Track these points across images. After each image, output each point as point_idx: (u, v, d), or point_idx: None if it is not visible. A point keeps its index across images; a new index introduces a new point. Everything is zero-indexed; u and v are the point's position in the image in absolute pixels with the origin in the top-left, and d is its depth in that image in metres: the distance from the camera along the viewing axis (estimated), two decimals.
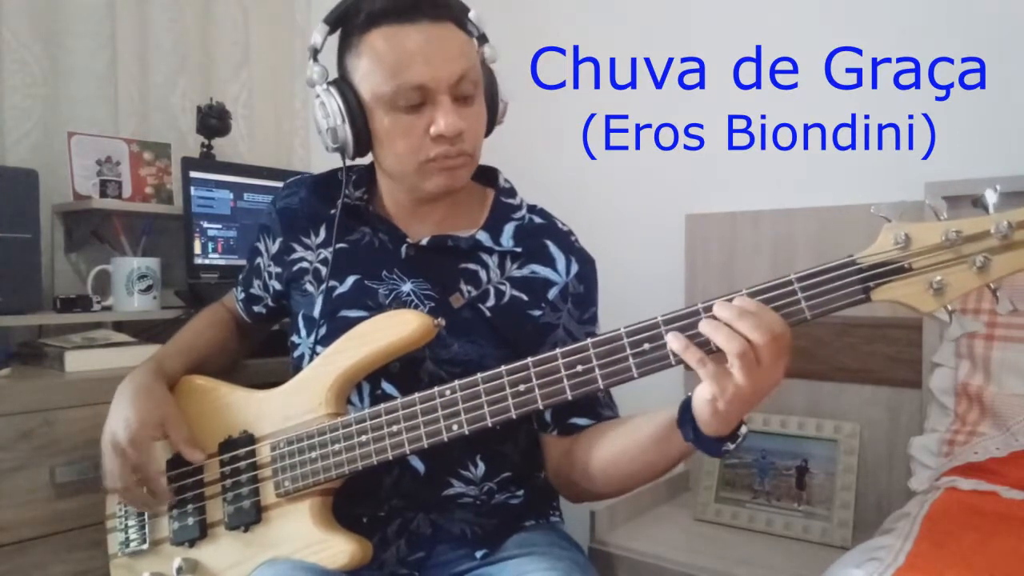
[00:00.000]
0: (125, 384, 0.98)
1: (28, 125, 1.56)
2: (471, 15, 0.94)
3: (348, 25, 0.92)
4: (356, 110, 0.91)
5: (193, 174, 1.59)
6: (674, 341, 0.74)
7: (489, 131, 0.99)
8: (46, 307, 1.46)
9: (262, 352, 1.23)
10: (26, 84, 1.56)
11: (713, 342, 0.71)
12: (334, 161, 1.05)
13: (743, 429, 0.79)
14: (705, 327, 0.72)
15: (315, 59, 0.93)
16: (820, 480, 1.37)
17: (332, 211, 1.00)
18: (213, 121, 1.69)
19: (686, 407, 0.78)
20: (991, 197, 0.69)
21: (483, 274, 0.97)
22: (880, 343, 1.40)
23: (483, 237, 0.97)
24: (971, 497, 1.05)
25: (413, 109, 0.89)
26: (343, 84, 0.92)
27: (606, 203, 1.78)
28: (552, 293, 0.98)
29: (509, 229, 0.99)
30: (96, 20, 1.64)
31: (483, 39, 0.96)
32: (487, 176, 1.06)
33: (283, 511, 0.90)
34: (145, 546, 0.97)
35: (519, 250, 0.98)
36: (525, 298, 0.97)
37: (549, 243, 1.00)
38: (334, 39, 0.95)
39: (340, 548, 0.86)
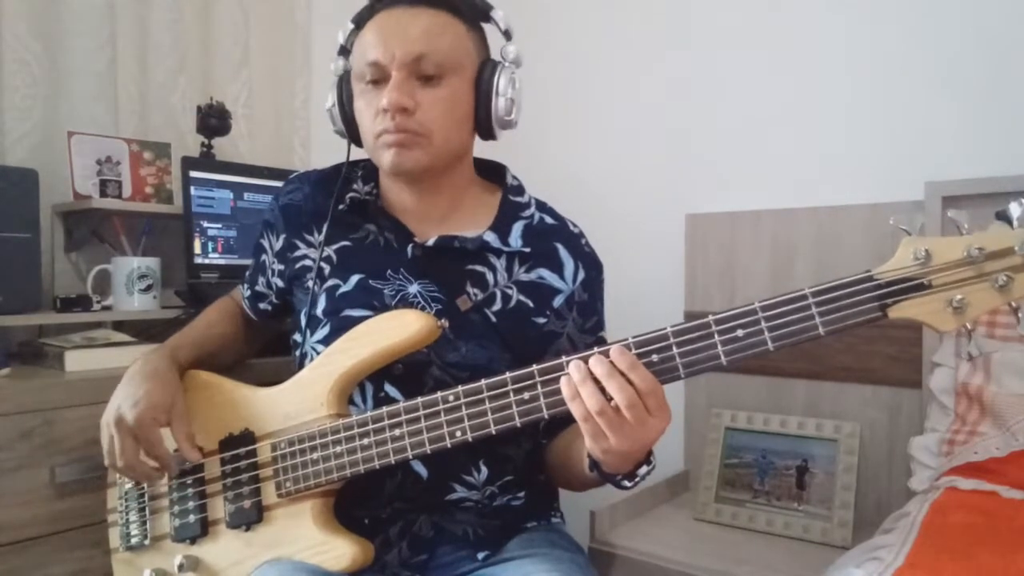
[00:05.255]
0: (137, 366, 0.97)
1: (28, 125, 1.56)
2: (495, 14, 0.96)
3: (361, 24, 0.96)
4: (346, 95, 0.97)
5: (193, 174, 1.59)
6: (566, 387, 0.76)
7: (486, 131, 0.97)
8: (46, 307, 1.46)
9: (265, 351, 1.23)
10: (26, 84, 1.55)
11: (581, 393, 0.74)
12: (335, 159, 1.05)
13: (642, 469, 0.82)
14: (575, 374, 0.75)
15: (339, 54, 0.99)
16: (820, 480, 1.37)
17: (340, 207, 1.00)
18: (213, 121, 1.69)
19: None
20: (1016, 211, 0.66)
21: (490, 276, 0.96)
22: (880, 343, 1.40)
23: (491, 238, 0.97)
24: (971, 497, 1.05)
25: (374, 86, 0.92)
26: (346, 76, 0.98)
27: (606, 203, 1.78)
28: (558, 301, 0.98)
29: (518, 229, 0.98)
30: (96, 20, 1.64)
31: (507, 36, 0.96)
32: (495, 173, 1.05)
33: (285, 511, 0.90)
34: (146, 541, 0.97)
35: (528, 251, 0.98)
36: (531, 304, 0.96)
37: (559, 246, 1.00)
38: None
39: (342, 550, 0.86)
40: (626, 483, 0.83)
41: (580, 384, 0.74)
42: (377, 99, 0.91)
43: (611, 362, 0.74)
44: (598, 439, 0.75)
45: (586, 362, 0.75)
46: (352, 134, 0.99)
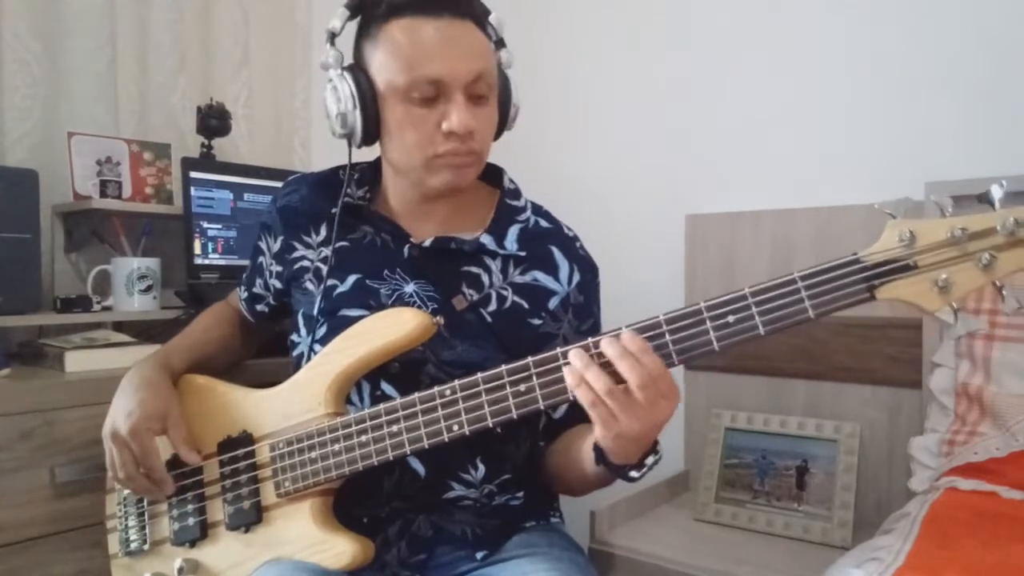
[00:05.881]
0: (130, 375, 0.98)
1: (28, 125, 1.56)
2: (491, 19, 0.95)
3: (368, 13, 0.92)
4: (369, 97, 0.91)
5: (193, 174, 1.59)
6: (570, 375, 0.76)
7: (498, 135, 0.99)
8: (46, 307, 1.46)
9: (262, 352, 1.23)
10: (26, 84, 1.55)
11: (585, 377, 0.74)
12: (335, 160, 1.05)
13: (650, 459, 0.82)
14: (578, 362, 0.75)
15: (332, 43, 0.93)
16: (820, 480, 1.37)
17: (333, 210, 1.00)
18: (213, 121, 1.69)
19: None
20: (997, 192, 0.67)
21: (485, 278, 0.96)
22: (880, 343, 1.40)
23: (487, 240, 0.97)
24: (971, 497, 1.05)
25: (426, 103, 0.88)
26: (357, 71, 0.91)
27: (606, 203, 1.78)
28: (553, 303, 0.98)
29: (513, 232, 0.99)
30: (96, 20, 1.64)
31: (500, 44, 0.96)
32: (492, 176, 1.06)
33: (284, 511, 0.90)
34: (146, 546, 0.97)
35: (523, 254, 0.98)
36: (526, 305, 0.97)
37: (554, 249, 1.00)
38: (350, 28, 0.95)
39: (342, 548, 0.86)
40: (633, 474, 0.83)
41: (584, 369, 0.74)
42: (430, 116, 0.88)
43: (623, 345, 0.74)
44: (608, 424, 0.74)
45: (587, 348, 0.76)
46: (369, 139, 0.94)
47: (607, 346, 0.75)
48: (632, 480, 0.84)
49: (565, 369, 0.76)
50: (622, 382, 0.74)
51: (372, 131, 0.93)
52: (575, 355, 0.76)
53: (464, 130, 0.88)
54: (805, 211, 1.50)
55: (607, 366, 0.75)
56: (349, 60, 0.95)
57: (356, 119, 0.91)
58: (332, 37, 0.93)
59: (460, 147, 0.89)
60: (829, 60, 1.51)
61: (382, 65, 0.90)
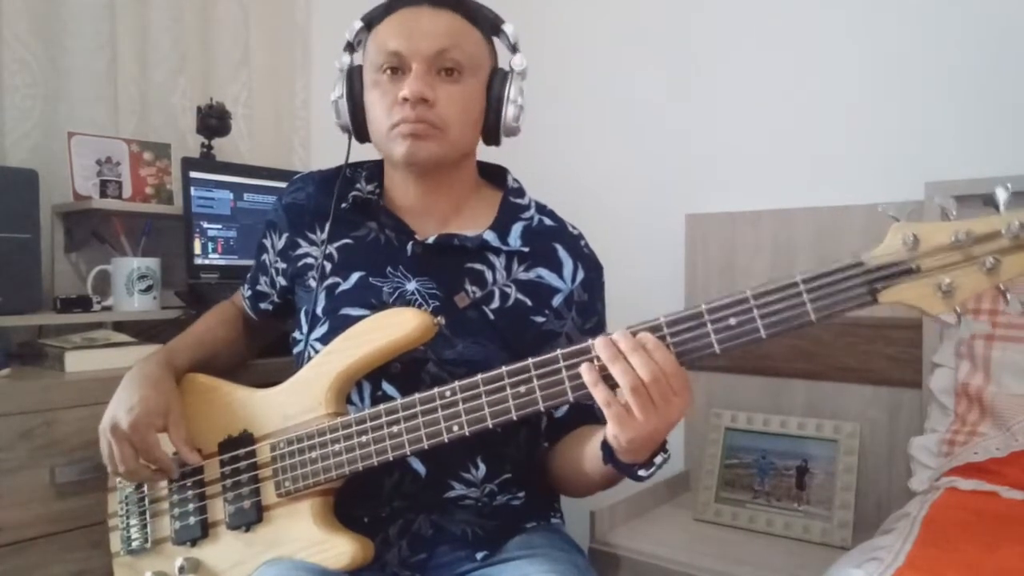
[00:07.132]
0: (132, 372, 0.98)
1: (28, 125, 1.56)
2: (506, 27, 0.99)
3: (374, 22, 0.98)
4: (357, 87, 0.98)
5: (193, 174, 1.59)
6: (587, 374, 0.76)
7: (494, 136, 1.00)
8: (46, 307, 1.46)
9: (265, 352, 1.23)
10: (26, 84, 1.55)
11: (610, 371, 0.74)
12: (335, 159, 1.06)
13: (659, 458, 0.82)
14: (604, 353, 0.74)
15: (345, 51, 1.00)
16: (820, 480, 1.37)
17: (343, 205, 1.01)
18: (213, 121, 1.69)
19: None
20: (1002, 195, 0.67)
21: (489, 275, 0.97)
22: (880, 343, 1.40)
23: (490, 237, 0.97)
24: (971, 497, 1.06)
25: (393, 78, 0.93)
26: (356, 69, 0.99)
27: (606, 203, 1.78)
28: (556, 300, 0.98)
29: (517, 229, 0.99)
30: (96, 20, 1.64)
31: (514, 49, 0.99)
32: (496, 176, 1.07)
33: (284, 511, 0.90)
34: (147, 545, 0.98)
35: (526, 250, 0.98)
36: (529, 303, 0.97)
37: (558, 247, 1.00)
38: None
39: (342, 548, 0.86)
40: (642, 473, 0.82)
41: (611, 362, 0.74)
42: (394, 89, 0.92)
43: (637, 340, 0.74)
44: (623, 422, 0.74)
45: (591, 349, 0.76)
46: (358, 127, 1.00)
47: (620, 338, 0.74)
48: (640, 479, 0.83)
49: (583, 367, 0.76)
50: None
51: (359, 118, 0.98)
52: (602, 346, 0.75)
53: (415, 96, 0.90)
54: (805, 211, 1.50)
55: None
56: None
57: (344, 107, 0.99)
58: (347, 46, 1.00)
59: (410, 114, 0.91)
60: (829, 60, 1.51)
61: (368, 56, 0.97)
